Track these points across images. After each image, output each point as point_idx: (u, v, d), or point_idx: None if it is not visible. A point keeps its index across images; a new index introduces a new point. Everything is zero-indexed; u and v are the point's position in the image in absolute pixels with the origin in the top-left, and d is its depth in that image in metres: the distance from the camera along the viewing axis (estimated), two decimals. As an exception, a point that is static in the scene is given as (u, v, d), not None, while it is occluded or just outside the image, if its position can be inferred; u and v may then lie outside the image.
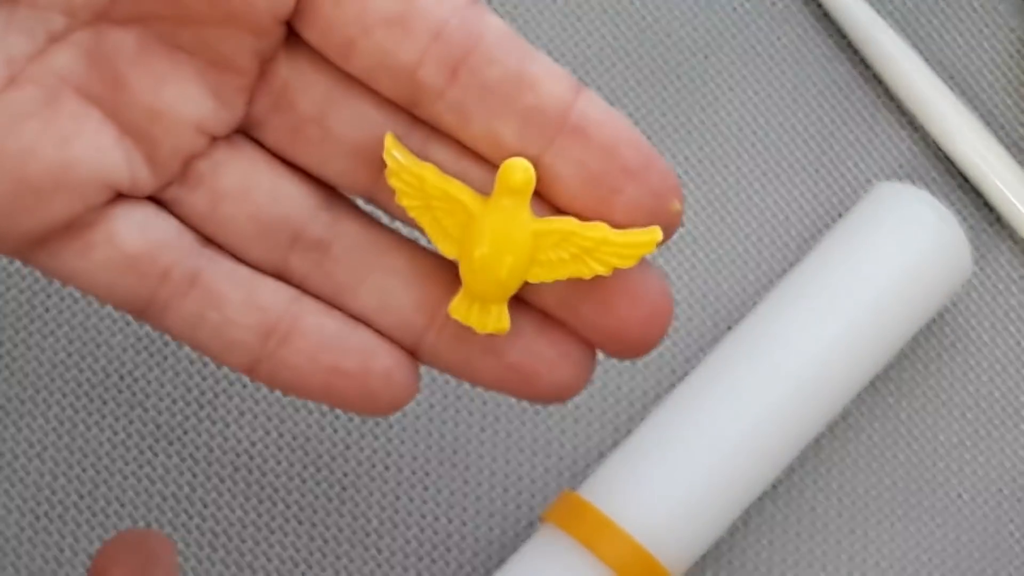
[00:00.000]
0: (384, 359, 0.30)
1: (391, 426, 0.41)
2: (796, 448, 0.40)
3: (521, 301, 0.30)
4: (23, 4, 0.28)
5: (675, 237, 0.43)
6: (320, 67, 0.29)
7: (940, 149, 0.44)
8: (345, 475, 0.41)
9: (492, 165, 0.29)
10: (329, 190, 0.30)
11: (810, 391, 0.40)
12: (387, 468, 0.41)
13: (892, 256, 0.40)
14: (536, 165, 0.29)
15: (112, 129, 0.29)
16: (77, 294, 0.42)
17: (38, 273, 0.42)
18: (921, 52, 0.44)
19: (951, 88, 0.44)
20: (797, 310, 0.40)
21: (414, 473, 0.41)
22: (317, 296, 0.30)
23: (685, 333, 0.42)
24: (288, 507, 0.41)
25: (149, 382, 0.41)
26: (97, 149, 0.28)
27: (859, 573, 0.41)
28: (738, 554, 0.41)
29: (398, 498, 0.41)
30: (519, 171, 0.28)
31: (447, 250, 0.29)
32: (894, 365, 0.43)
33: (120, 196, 0.29)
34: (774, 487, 0.42)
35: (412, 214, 0.29)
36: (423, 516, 0.41)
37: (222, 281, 0.30)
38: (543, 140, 0.29)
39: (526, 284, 0.29)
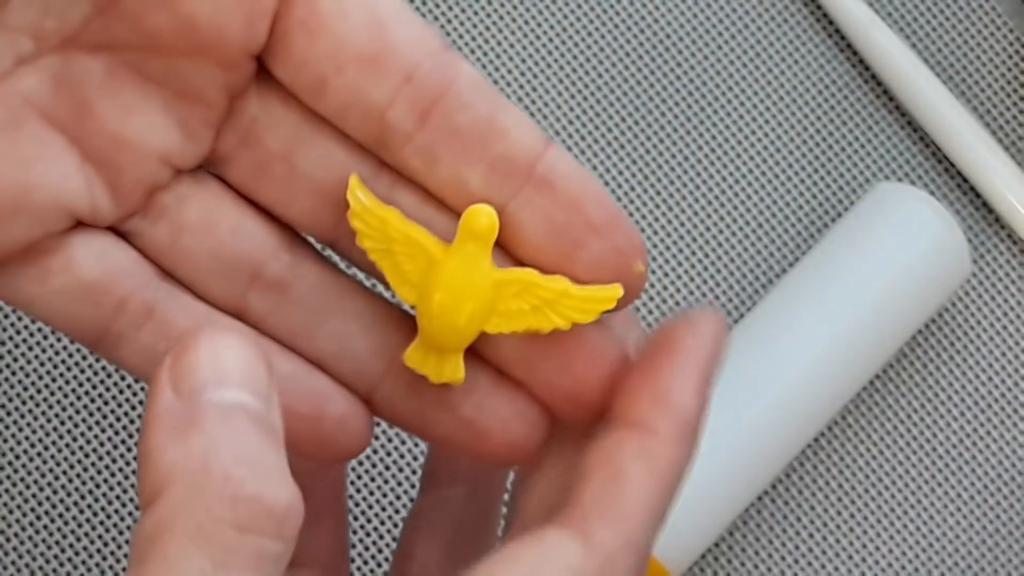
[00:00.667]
0: (339, 405, 0.29)
1: (392, 425, 0.41)
2: (796, 448, 0.40)
3: (478, 356, 0.29)
4: None
5: (675, 237, 0.43)
6: (289, 104, 0.29)
7: (939, 149, 0.44)
8: (346, 475, 0.41)
9: (456, 214, 0.29)
10: (291, 232, 0.30)
11: (810, 390, 0.40)
12: (387, 468, 0.41)
13: (891, 256, 0.40)
14: (501, 214, 0.28)
15: (75, 155, 0.28)
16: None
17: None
18: (920, 53, 0.44)
19: (950, 89, 0.44)
20: (797, 310, 0.40)
21: (415, 472, 0.41)
22: (274, 337, 0.30)
23: (685, 333, 0.42)
24: (288, 507, 0.41)
25: (149, 382, 0.41)
26: (59, 175, 0.28)
27: (859, 573, 0.41)
28: (738, 554, 0.41)
29: (398, 497, 0.41)
30: (483, 216, 0.28)
31: (406, 296, 0.29)
32: (893, 364, 0.43)
33: (80, 224, 0.29)
34: (774, 487, 0.42)
35: (372, 257, 0.29)
36: (423, 516, 0.41)
37: (178, 315, 0.29)
38: (509, 189, 0.28)
39: (484, 336, 0.29)
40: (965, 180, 0.44)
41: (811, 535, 0.42)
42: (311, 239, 0.30)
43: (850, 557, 0.41)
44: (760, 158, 0.44)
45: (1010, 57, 0.44)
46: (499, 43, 0.44)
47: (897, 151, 0.44)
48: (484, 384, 0.29)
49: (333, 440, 0.29)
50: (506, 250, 0.29)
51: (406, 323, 0.30)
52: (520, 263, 0.29)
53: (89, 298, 0.29)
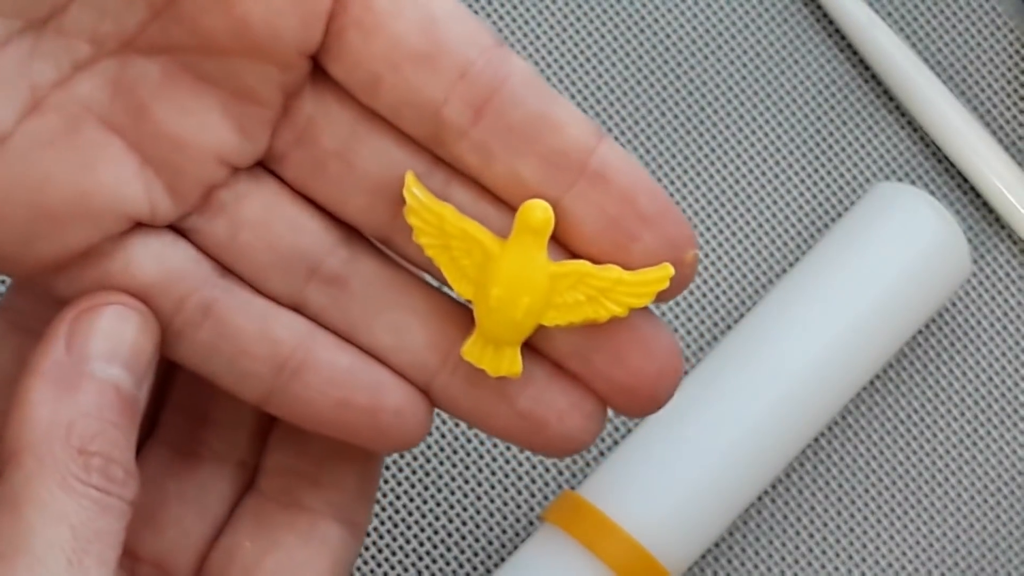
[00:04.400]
0: (396, 396, 0.30)
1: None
2: (796, 448, 0.40)
3: (534, 349, 0.30)
4: (50, 31, 0.28)
5: (675, 237, 0.43)
6: (345, 102, 0.29)
7: (939, 149, 0.44)
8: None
9: (511, 209, 0.29)
10: (348, 228, 0.30)
11: (810, 391, 0.40)
12: (387, 467, 0.41)
13: (891, 256, 0.40)
14: (555, 208, 0.29)
15: (134, 158, 0.29)
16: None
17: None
18: (920, 52, 0.44)
19: (950, 88, 0.44)
20: (796, 310, 0.40)
21: (414, 472, 0.41)
22: (332, 330, 0.30)
23: (685, 333, 0.42)
24: (288, 507, 0.41)
25: (149, 382, 0.41)
26: (117, 178, 0.28)
27: (859, 573, 0.41)
28: (738, 554, 0.41)
29: (398, 497, 0.41)
30: (539, 210, 0.28)
31: (463, 290, 0.29)
32: (893, 364, 0.43)
33: (139, 225, 0.29)
34: (774, 487, 0.42)
35: (429, 253, 0.29)
36: (423, 515, 0.41)
37: (237, 312, 0.29)
38: (564, 183, 0.29)
39: (540, 330, 0.29)
40: (965, 180, 0.44)
41: (811, 535, 0.42)
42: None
43: (850, 557, 0.41)
44: (760, 158, 0.44)
45: (1010, 57, 0.44)
46: (499, 43, 0.44)
47: (897, 151, 0.44)
48: (541, 377, 0.30)
49: (391, 430, 0.30)
50: (560, 243, 0.29)
51: (463, 316, 0.30)
52: (573, 255, 0.29)
53: (148, 298, 0.29)
